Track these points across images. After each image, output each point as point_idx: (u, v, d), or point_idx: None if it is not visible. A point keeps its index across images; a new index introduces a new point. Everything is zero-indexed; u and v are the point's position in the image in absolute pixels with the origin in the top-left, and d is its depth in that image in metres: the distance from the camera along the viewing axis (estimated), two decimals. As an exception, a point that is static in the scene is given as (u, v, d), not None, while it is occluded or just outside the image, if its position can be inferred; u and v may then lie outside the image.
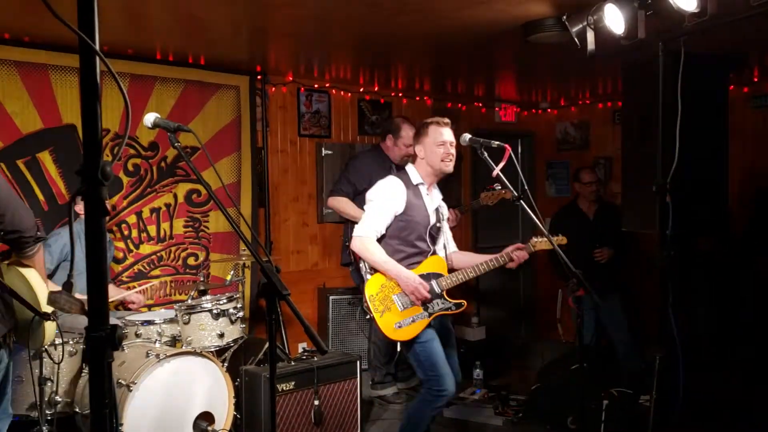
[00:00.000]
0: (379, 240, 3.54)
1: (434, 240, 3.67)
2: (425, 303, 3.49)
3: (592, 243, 5.34)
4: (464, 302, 3.59)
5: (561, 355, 5.34)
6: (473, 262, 3.65)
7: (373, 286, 3.48)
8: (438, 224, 3.67)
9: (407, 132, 4.90)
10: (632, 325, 5.42)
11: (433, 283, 3.53)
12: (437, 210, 3.68)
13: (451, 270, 3.65)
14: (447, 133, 3.58)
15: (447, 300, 3.55)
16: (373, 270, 3.52)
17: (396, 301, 3.46)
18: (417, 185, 3.62)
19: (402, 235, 3.55)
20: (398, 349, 3.47)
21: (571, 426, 4.35)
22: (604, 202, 5.70)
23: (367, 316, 3.50)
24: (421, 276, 3.49)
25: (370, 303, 3.45)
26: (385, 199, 3.54)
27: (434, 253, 3.65)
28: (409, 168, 3.69)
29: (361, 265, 4.71)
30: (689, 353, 3.33)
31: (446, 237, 3.77)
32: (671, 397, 3.32)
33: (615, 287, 5.41)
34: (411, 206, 3.54)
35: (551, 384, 4.61)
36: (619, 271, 5.51)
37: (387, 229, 3.55)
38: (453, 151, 3.59)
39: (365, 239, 3.48)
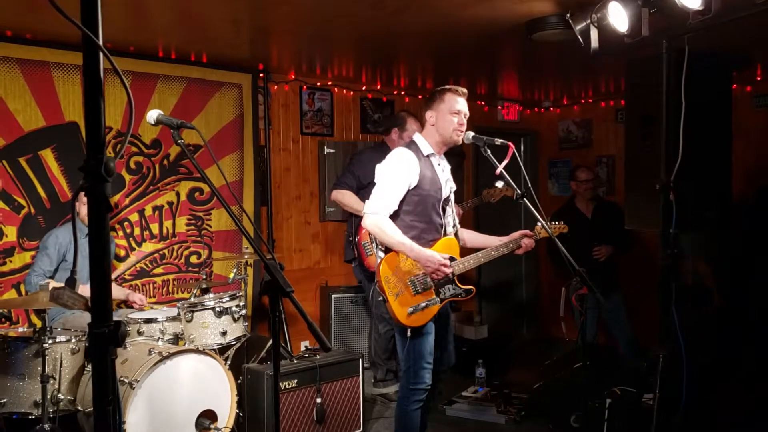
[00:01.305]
0: (391, 216, 3.36)
1: (445, 213, 3.51)
2: (437, 288, 3.38)
3: (591, 242, 5.33)
4: (473, 288, 3.49)
5: (564, 353, 5.32)
6: (483, 242, 3.63)
7: (387, 268, 3.32)
8: (449, 197, 3.53)
9: (412, 126, 4.88)
10: (633, 323, 5.41)
11: None
12: (447, 182, 3.53)
13: (461, 249, 3.56)
14: (462, 103, 3.45)
15: (458, 286, 3.43)
16: (387, 249, 3.36)
17: (410, 284, 3.32)
18: (428, 156, 3.45)
19: (417, 210, 3.38)
20: (408, 334, 3.32)
21: (574, 424, 4.33)
22: (601, 200, 5.69)
23: (380, 298, 3.33)
24: None
25: (384, 285, 3.29)
26: (398, 172, 3.34)
27: (445, 229, 3.50)
28: (418, 138, 3.51)
29: (368, 243, 4.66)
30: (692, 352, 3.33)
31: (453, 212, 3.62)
32: (675, 396, 3.31)
33: (616, 285, 5.40)
34: (424, 179, 3.38)
35: (554, 382, 4.60)
36: (619, 269, 5.50)
37: (400, 203, 3.37)
38: (465, 122, 3.45)
39: (378, 217, 3.29)
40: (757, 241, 5.36)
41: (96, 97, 1.39)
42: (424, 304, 3.33)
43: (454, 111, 3.41)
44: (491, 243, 3.61)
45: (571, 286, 3.10)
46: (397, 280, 3.32)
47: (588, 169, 5.65)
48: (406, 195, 3.36)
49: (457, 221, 3.63)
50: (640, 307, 5.73)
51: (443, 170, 3.53)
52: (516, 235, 3.56)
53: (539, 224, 3.42)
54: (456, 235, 3.58)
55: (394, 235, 3.28)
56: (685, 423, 3.42)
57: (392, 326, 4.98)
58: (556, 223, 3.71)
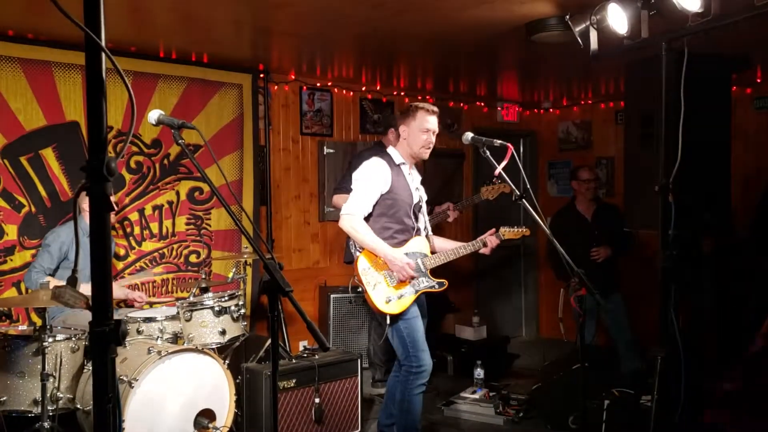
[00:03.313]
0: (367, 218, 3.69)
1: (417, 218, 3.83)
2: (412, 280, 3.68)
3: (590, 244, 5.33)
4: (446, 281, 3.80)
5: (562, 354, 5.34)
6: (450, 246, 3.90)
7: (364, 261, 3.68)
8: (420, 203, 3.84)
9: None
10: (633, 324, 5.41)
11: (419, 262, 3.73)
12: (417, 189, 3.84)
13: (431, 251, 3.87)
14: (433, 122, 3.73)
15: (431, 279, 3.77)
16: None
17: (386, 276, 3.66)
18: (399, 165, 3.77)
19: (390, 213, 3.71)
20: (388, 322, 3.63)
21: (572, 425, 4.35)
22: (601, 202, 5.69)
23: (359, 289, 3.69)
24: (407, 255, 3.69)
25: (362, 276, 3.65)
26: (371, 179, 3.68)
27: (418, 231, 3.82)
28: (391, 150, 3.84)
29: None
30: (691, 353, 3.33)
31: (425, 218, 3.93)
32: (672, 398, 3.32)
33: (616, 287, 5.40)
34: (395, 185, 3.70)
35: (552, 383, 4.61)
36: (619, 270, 5.50)
37: (374, 207, 3.70)
38: (433, 139, 3.76)
39: (353, 218, 3.64)
40: (758, 244, 5.35)
41: (98, 97, 1.40)
42: (398, 294, 3.66)
43: (423, 129, 3.71)
44: (456, 246, 3.91)
45: (570, 288, 3.10)
46: (374, 272, 3.67)
47: (590, 169, 5.67)
48: (380, 199, 3.70)
49: (429, 227, 3.94)
50: (639, 308, 5.74)
51: (413, 179, 3.85)
52: (482, 237, 3.83)
53: (503, 228, 3.81)
54: (427, 237, 3.90)
55: (366, 235, 3.63)
56: (683, 425, 3.43)
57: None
58: (520, 228, 3.89)
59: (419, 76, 6.00)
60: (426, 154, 3.79)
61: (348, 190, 5.02)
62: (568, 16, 3.66)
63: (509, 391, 5.10)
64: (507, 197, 4.56)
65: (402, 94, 6.56)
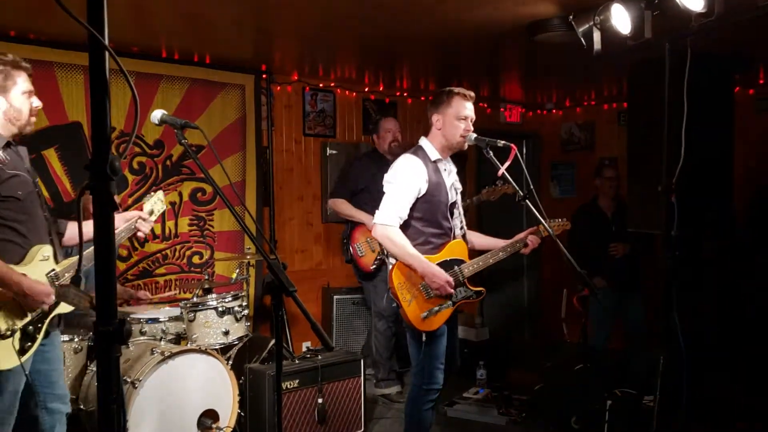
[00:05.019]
0: (402, 223, 3.36)
1: (453, 217, 3.51)
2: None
3: (610, 240, 5.34)
4: (484, 290, 3.52)
5: (565, 355, 5.33)
6: (490, 244, 3.63)
7: (399, 274, 3.34)
8: (455, 201, 3.52)
9: (384, 123, 5.23)
10: (650, 324, 5.39)
11: (456, 270, 3.41)
12: (453, 186, 3.51)
13: (470, 251, 3.57)
14: (470, 108, 3.42)
15: (469, 288, 3.46)
16: None
17: (423, 288, 3.33)
18: (435, 161, 3.42)
19: (426, 216, 3.38)
20: (423, 339, 3.33)
21: (574, 426, 4.34)
22: (622, 200, 5.70)
23: (394, 304, 3.37)
24: (444, 262, 3.38)
25: (398, 291, 3.31)
26: (407, 181, 3.32)
27: (453, 230, 3.50)
28: (424, 143, 3.48)
29: (360, 245, 4.75)
30: (693, 353, 3.33)
31: (461, 216, 3.61)
32: (675, 398, 3.31)
33: (637, 286, 5.40)
34: (433, 186, 3.36)
35: (555, 384, 4.60)
36: (641, 270, 5.48)
37: (410, 210, 3.35)
38: (471, 127, 3.43)
39: (388, 228, 3.28)
40: (759, 245, 5.35)
41: (101, 97, 1.40)
42: (437, 308, 3.35)
43: (461, 117, 3.38)
44: (498, 245, 3.61)
45: (582, 280, 3.10)
46: (410, 285, 3.33)
47: (613, 167, 5.72)
48: (416, 202, 3.35)
49: (464, 223, 3.63)
50: (656, 309, 5.70)
51: (449, 174, 3.51)
52: (522, 235, 3.55)
53: (543, 225, 3.44)
54: (464, 237, 3.59)
55: (404, 246, 3.27)
56: (685, 425, 3.43)
57: (391, 323, 5.03)
58: (560, 220, 3.69)
59: (422, 76, 6.01)
60: (465, 144, 3.42)
61: (340, 194, 5.12)
62: (571, 17, 3.66)
63: (512, 392, 5.09)
64: (510, 197, 4.57)
65: (405, 95, 6.56)
